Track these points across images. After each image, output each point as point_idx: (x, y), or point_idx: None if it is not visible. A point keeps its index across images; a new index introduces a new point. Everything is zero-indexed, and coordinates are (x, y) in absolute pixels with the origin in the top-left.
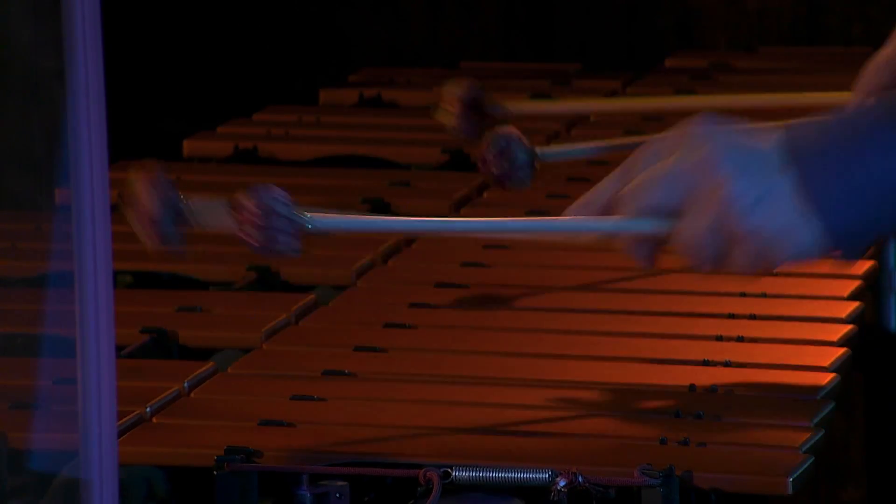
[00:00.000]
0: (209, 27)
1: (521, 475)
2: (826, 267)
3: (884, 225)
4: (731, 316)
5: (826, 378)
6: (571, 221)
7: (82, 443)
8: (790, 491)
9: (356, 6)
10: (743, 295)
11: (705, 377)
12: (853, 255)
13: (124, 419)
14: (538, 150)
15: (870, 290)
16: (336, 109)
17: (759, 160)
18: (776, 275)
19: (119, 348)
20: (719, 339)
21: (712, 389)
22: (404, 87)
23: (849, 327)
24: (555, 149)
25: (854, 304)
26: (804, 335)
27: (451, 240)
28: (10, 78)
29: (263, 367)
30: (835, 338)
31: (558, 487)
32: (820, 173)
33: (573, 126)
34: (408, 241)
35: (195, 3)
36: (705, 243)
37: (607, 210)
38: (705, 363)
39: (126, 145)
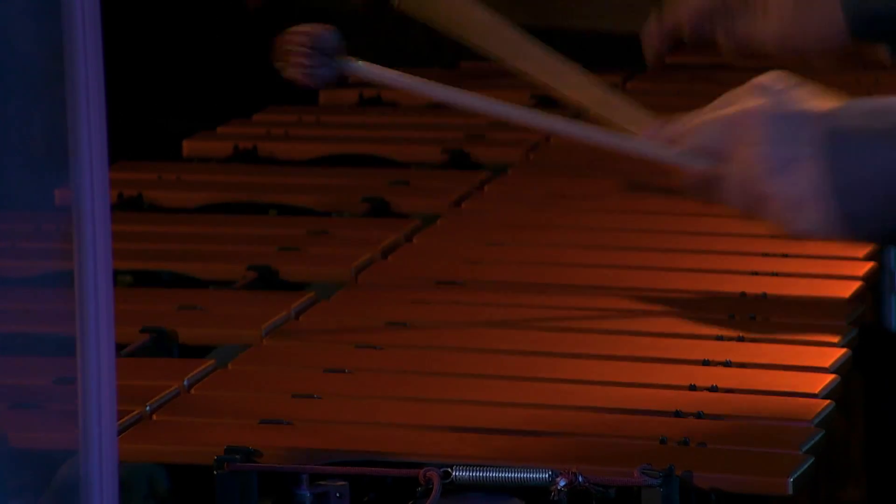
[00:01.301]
0: (209, 27)
1: (521, 475)
2: (827, 267)
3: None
4: (732, 316)
5: (826, 379)
6: (633, 141)
7: (82, 441)
8: (790, 491)
9: (356, 6)
10: (743, 295)
11: (705, 377)
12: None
13: (125, 418)
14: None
15: (871, 291)
16: (336, 109)
17: (798, 128)
18: (776, 275)
19: (119, 347)
20: (720, 338)
21: (712, 389)
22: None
23: (849, 328)
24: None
25: (855, 305)
26: (805, 336)
27: (451, 237)
28: (10, 78)
29: (263, 364)
30: (835, 339)
31: (558, 487)
32: (849, 159)
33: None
34: (408, 237)
35: (195, 3)
36: (734, 193)
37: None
38: (705, 363)
39: (126, 145)
